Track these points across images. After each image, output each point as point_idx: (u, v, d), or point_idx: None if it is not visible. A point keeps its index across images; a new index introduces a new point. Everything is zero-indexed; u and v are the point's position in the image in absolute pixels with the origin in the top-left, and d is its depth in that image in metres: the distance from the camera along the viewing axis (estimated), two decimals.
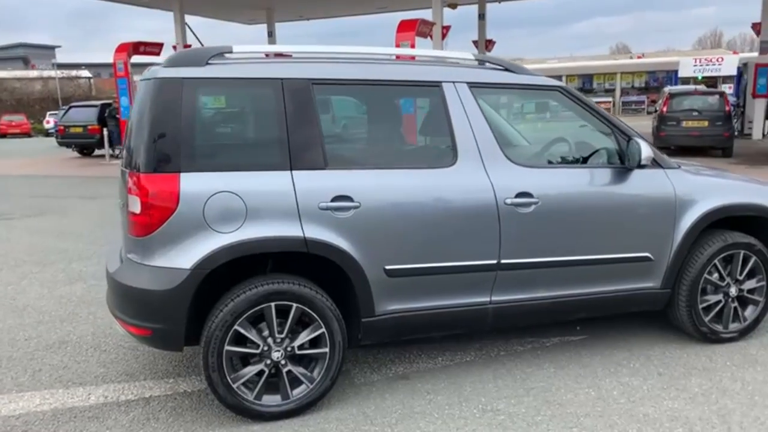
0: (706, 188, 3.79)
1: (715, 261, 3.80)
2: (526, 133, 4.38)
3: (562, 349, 3.92)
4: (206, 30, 19.80)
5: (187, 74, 3.02)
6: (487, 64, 3.66)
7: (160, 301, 2.93)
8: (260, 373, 3.08)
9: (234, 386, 3.04)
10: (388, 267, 3.19)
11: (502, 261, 3.38)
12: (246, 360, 3.10)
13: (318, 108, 3.13)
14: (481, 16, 21.95)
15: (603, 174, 3.59)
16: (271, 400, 3.11)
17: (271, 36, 24.55)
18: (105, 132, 18.13)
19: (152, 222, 2.94)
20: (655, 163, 3.67)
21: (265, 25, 24.77)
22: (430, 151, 3.36)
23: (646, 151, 3.47)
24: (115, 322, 3.28)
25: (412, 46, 15.04)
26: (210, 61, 3.09)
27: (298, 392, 3.14)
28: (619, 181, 3.59)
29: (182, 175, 2.95)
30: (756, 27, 18.79)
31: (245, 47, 3.14)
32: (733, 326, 3.95)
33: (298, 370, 3.13)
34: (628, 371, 3.59)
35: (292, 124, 3.09)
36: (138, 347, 4.04)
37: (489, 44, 22.27)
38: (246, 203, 2.98)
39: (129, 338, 3.92)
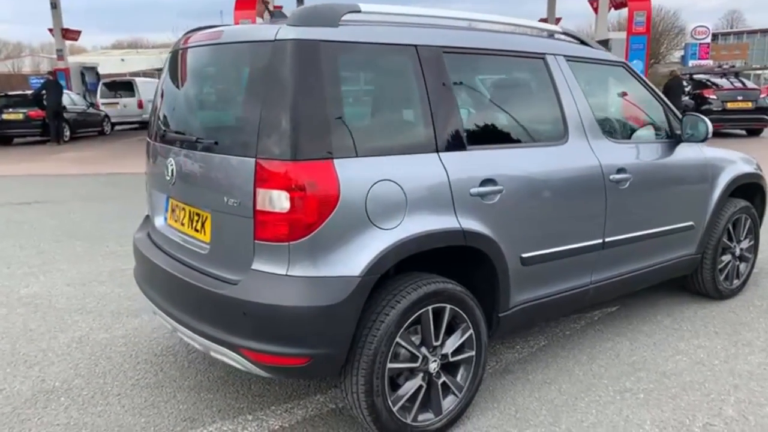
0: (725, 159, 4.14)
1: (728, 225, 4.20)
2: None
3: (612, 321, 4.02)
4: None
5: (323, 36, 2.41)
6: (565, 36, 3.54)
7: (325, 319, 2.33)
8: (418, 389, 2.64)
9: (394, 410, 2.57)
10: (524, 255, 2.95)
11: (606, 239, 3.34)
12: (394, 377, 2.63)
13: (451, 80, 2.74)
14: (300, 0, 21.54)
15: (665, 147, 3.72)
16: (425, 418, 2.69)
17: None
18: None
19: (309, 221, 2.31)
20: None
21: None
22: (545, 127, 3.16)
23: (710, 126, 3.67)
24: (224, 356, 2.53)
25: (253, 23, 14.20)
26: (343, 21, 2.51)
27: (448, 404, 2.75)
28: (675, 153, 3.76)
29: (336, 161, 2.37)
30: None
31: (373, 6, 2.61)
32: (735, 282, 4.42)
33: (449, 380, 2.75)
34: (689, 335, 3.80)
35: (433, 99, 2.66)
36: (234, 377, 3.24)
37: None
38: (406, 193, 2.50)
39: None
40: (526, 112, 3.16)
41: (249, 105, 2.44)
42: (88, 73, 25.08)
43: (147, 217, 3.40)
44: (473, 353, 2.80)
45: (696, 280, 4.25)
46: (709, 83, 16.17)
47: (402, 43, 2.64)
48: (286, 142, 2.30)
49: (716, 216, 4.06)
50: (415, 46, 2.66)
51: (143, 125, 22.11)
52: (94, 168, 12.08)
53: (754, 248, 4.52)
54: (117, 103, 21.36)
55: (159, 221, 3.13)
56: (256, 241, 2.39)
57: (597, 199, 3.24)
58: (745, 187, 4.34)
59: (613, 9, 15.52)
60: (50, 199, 8.77)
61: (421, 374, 2.64)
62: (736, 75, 16.55)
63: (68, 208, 7.99)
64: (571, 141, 3.17)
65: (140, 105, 21.63)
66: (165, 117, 3.09)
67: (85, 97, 21.12)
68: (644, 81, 3.77)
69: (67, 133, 17.27)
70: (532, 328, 3.86)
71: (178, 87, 3.07)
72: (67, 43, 23.26)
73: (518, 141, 3.05)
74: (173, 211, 2.99)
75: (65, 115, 17.04)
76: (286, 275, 2.34)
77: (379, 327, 2.45)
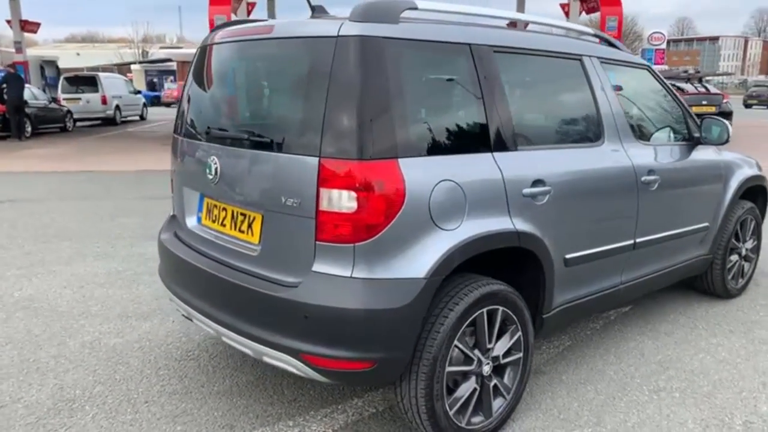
0: (735, 162, 4.25)
1: (737, 226, 4.31)
2: None
3: (629, 321, 4.07)
4: None
5: (386, 32, 2.35)
6: (595, 38, 3.56)
7: (392, 322, 2.28)
8: (472, 392, 2.61)
9: (450, 414, 2.53)
10: (567, 256, 2.95)
11: (637, 240, 3.37)
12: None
13: (502, 79, 2.72)
14: None
15: (685, 149, 3.79)
16: (477, 421, 2.67)
17: None
18: None
19: (375, 222, 2.25)
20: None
21: None
22: (583, 128, 3.16)
23: (731, 129, 3.75)
24: (280, 361, 2.44)
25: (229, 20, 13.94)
26: (402, 18, 2.46)
27: (497, 407, 2.73)
28: (694, 155, 3.83)
29: (401, 161, 2.31)
30: None
31: (428, 3, 2.57)
32: (740, 282, 4.53)
33: (499, 382, 2.73)
34: (707, 333, 3.88)
35: (487, 98, 2.63)
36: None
37: None
38: (465, 193, 2.47)
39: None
40: (567, 113, 3.17)
41: (310, 102, 2.36)
42: (48, 67, 24.25)
43: (173, 216, 3.27)
44: (521, 355, 2.78)
45: (706, 280, 4.35)
46: (674, 88, 16.62)
47: (458, 42, 2.60)
48: (352, 141, 2.24)
49: (727, 217, 4.16)
50: (469, 44, 2.63)
51: (107, 121, 21.49)
52: (65, 165, 11.65)
53: (757, 248, 4.65)
54: (79, 99, 20.67)
55: (191, 221, 3.01)
56: (317, 242, 2.32)
57: (631, 201, 3.27)
58: (749, 189, 4.46)
59: (584, 13, 15.81)
60: (24, 198, 8.41)
61: (474, 377, 2.61)
62: (700, 80, 17.09)
63: (47, 208, 7.67)
64: (606, 142, 3.19)
65: (104, 101, 21.00)
66: (202, 113, 2.98)
67: (44, 92, 20.38)
68: (665, 83, 3.83)
69: (29, 129, 16.61)
70: None
71: (217, 83, 2.96)
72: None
73: (561, 142, 3.06)
74: (209, 210, 2.88)
75: (27, 110, 16.39)
76: (351, 277, 2.28)
77: (439, 330, 2.41)
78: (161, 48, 54.84)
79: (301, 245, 2.37)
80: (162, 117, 26.24)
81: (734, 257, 4.39)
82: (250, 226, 2.62)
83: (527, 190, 2.70)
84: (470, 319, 2.51)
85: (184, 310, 2.95)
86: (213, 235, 2.83)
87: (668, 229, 3.64)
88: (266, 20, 2.73)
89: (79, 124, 20.66)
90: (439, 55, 2.58)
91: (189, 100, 3.10)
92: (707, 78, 22.14)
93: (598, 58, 3.29)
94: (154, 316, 4.13)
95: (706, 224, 3.99)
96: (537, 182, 2.74)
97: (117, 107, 21.93)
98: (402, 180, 2.29)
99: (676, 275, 3.94)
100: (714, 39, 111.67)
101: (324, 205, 2.28)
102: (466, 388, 2.58)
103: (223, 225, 2.77)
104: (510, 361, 2.75)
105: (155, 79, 42.80)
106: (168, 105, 36.51)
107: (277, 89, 2.73)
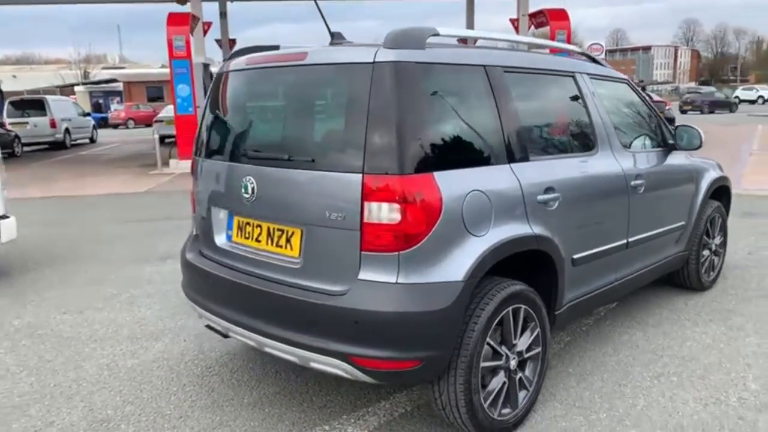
0: (704, 165, 4.64)
1: (707, 224, 4.69)
2: None
3: (617, 316, 4.38)
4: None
5: (417, 57, 2.57)
6: (581, 55, 3.87)
7: (436, 323, 2.47)
8: (502, 385, 2.82)
9: (485, 406, 2.73)
10: (575, 256, 3.21)
11: (629, 239, 3.67)
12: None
13: (513, 96, 2.98)
14: (223, 15, 21.23)
15: (663, 155, 4.14)
16: (506, 412, 2.87)
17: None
18: None
19: (417, 231, 2.45)
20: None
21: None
22: (581, 139, 3.45)
23: (703, 135, 4.12)
24: (329, 365, 2.58)
25: (188, 41, 13.95)
26: (428, 44, 2.67)
27: (522, 398, 2.95)
28: (670, 160, 4.18)
29: (436, 174, 2.52)
30: None
31: (446, 29, 2.79)
32: (712, 275, 4.92)
33: (524, 375, 2.95)
34: (690, 323, 4.22)
35: (503, 113, 2.88)
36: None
37: (232, 43, 21.68)
38: (492, 202, 2.69)
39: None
40: (566, 125, 3.44)
41: (351, 123, 2.55)
42: None
43: (196, 236, 3.37)
44: (540, 349, 3.01)
45: (683, 275, 4.70)
46: None
47: (474, 64, 2.85)
48: (392, 158, 2.43)
49: (700, 216, 4.53)
50: (484, 66, 2.88)
51: (56, 145, 20.93)
52: (22, 192, 11.34)
53: (724, 244, 5.05)
54: (26, 123, 20.08)
55: (220, 239, 3.13)
56: (362, 252, 2.49)
57: (623, 203, 3.57)
58: (716, 189, 4.86)
59: (534, 27, 16.46)
60: None
61: (503, 371, 2.82)
62: (644, 89, 18.01)
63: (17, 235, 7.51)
64: (600, 151, 3.48)
65: (53, 124, 20.48)
66: (233, 136, 3.12)
67: None
68: (641, 95, 4.18)
69: None
70: None
71: (250, 107, 3.10)
72: None
73: (564, 151, 3.33)
74: (241, 228, 3.01)
75: None
76: (396, 283, 2.46)
77: (473, 328, 2.62)
78: (104, 69, 53.66)
79: (345, 256, 2.54)
80: (112, 139, 25.73)
81: (706, 252, 4.77)
82: (288, 240, 2.77)
83: (541, 197, 2.95)
84: (498, 318, 2.73)
85: (219, 325, 3.05)
86: (247, 250, 2.96)
87: (654, 229, 3.96)
88: (288, 48, 2.90)
89: (27, 149, 20.05)
90: (461, 76, 2.81)
91: (212, 124, 3.23)
92: (655, 86, 23.31)
93: (587, 74, 3.60)
94: (164, 336, 4.19)
95: (682, 223, 4.35)
96: (548, 189, 3.00)
97: (66, 130, 21.41)
98: (439, 191, 2.49)
99: (659, 271, 4.27)
100: (647, 48, 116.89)
101: (368, 218, 2.46)
102: (497, 382, 2.79)
103: (258, 241, 2.91)
104: (531, 355, 2.98)
105: (101, 101, 41.85)
106: (115, 126, 35.74)
107: (315, 112, 2.89)
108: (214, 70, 13.08)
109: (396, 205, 2.43)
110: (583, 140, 3.45)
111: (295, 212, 2.71)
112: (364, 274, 2.50)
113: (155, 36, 16.88)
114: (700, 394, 3.23)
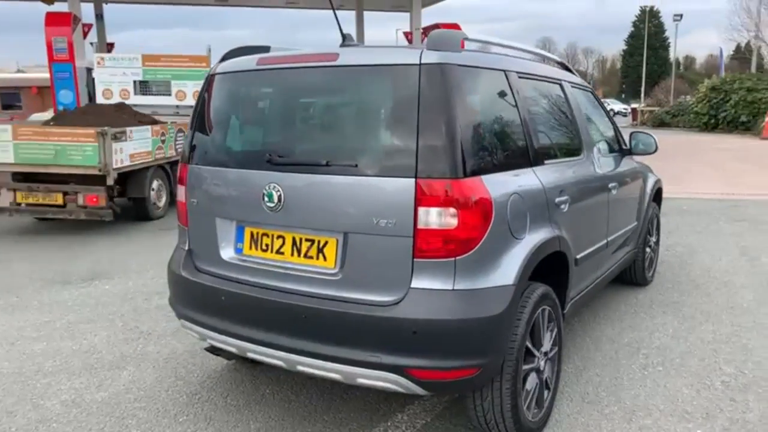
0: (645, 170, 5.00)
1: (648, 224, 5.07)
2: None
3: (583, 315, 4.58)
4: None
5: (458, 60, 2.53)
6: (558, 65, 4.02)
7: (494, 328, 2.43)
8: (536, 386, 2.84)
9: (524, 408, 2.74)
10: (577, 256, 3.32)
11: (608, 239, 3.87)
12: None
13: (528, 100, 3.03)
14: (99, 17, 19.77)
15: (620, 159, 4.39)
16: (537, 412, 2.89)
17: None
18: None
19: (473, 236, 2.39)
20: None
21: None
22: (573, 144, 3.57)
23: (657, 140, 4.44)
24: (379, 380, 2.44)
25: (70, 43, 12.81)
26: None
27: (546, 398, 2.99)
28: (624, 164, 4.46)
29: (484, 177, 2.49)
30: None
31: (473, 35, 2.78)
32: (651, 270, 5.31)
33: (547, 376, 2.99)
34: (647, 316, 4.51)
35: (524, 117, 2.92)
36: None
37: (110, 47, 20.25)
38: (527, 204, 2.71)
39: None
40: (563, 130, 3.55)
41: (399, 126, 2.45)
42: None
43: (188, 251, 3.07)
44: (557, 349, 3.08)
45: (630, 271, 5.02)
46: None
47: (497, 68, 2.86)
48: (446, 161, 2.37)
49: (646, 216, 4.88)
50: (504, 71, 2.90)
51: None
52: None
53: (658, 242, 5.48)
54: None
55: (227, 253, 2.88)
56: (415, 260, 2.40)
57: (606, 205, 3.76)
58: (656, 191, 5.26)
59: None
60: None
61: (534, 372, 2.84)
62: None
63: None
64: (585, 154, 3.64)
65: None
66: (241, 142, 2.88)
67: None
68: (602, 103, 4.44)
69: None
70: None
71: (268, 110, 2.88)
72: None
73: (564, 155, 3.43)
74: (255, 240, 2.79)
75: None
76: (453, 290, 2.40)
77: (517, 332, 2.62)
78: None
79: (394, 263, 2.43)
80: None
81: (648, 250, 5.14)
82: (320, 250, 2.60)
83: (557, 199, 3.02)
84: (534, 320, 2.75)
85: (231, 345, 2.80)
86: (265, 264, 2.75)
87: (621, 228, 4.21)
88: (297, 49, 2.76)
89: None
90: (491, 80, 2.81)
91: (210, 130, 2.97)
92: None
93: (569, 82, 3.75)
94: (126, 364, 3.78)
95: (636, 223, 4.65)
96: (562, 192, 3.08)
97: None
98: (489, 195, 2.47)
99: (620, 269, 4.53)
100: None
101: (423, 224, 2.38)
102: (530, 383, 2.81)
103: (280, 253, 2.71)
104: (552, 355, 3.03)
105: None
106: None
107: (353, 115, 2.73)
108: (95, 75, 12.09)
109: (452, 210, 2.37)
110: (574, 145, 3.58)
111: (332, 220, 2.56)
112: (418, 282, 2.41)
113: (9, 37, 15.34)
114: (689, 381, 3.46)
